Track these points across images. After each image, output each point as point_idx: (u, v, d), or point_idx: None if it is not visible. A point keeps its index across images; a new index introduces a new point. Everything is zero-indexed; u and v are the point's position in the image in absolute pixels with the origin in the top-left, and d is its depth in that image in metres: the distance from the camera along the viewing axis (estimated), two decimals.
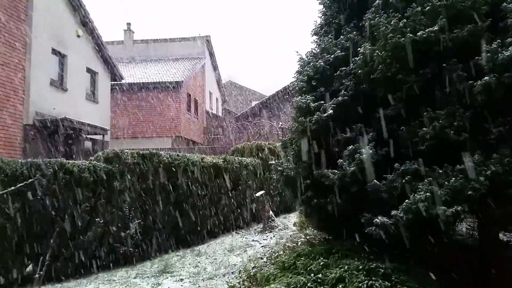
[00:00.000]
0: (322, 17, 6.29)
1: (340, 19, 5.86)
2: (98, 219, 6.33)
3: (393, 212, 3.90)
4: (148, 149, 8.00)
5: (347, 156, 4.48)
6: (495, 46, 3.83)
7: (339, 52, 5.12)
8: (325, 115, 4.78)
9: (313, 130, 4.94)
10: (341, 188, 4.61)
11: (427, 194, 3.72)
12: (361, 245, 4.68)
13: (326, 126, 4.85)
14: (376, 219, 4.00)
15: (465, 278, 4.46)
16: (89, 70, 16.18)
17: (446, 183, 3.78)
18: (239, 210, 9.78)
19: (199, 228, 8.31)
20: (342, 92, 4.84)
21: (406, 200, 3.81)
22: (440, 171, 3.92)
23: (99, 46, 16.65)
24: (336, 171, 4.54)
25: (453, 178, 3.75)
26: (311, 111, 5.01)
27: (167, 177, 7.61)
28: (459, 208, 3.63)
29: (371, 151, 4.25)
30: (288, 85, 21.90)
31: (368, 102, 4.76)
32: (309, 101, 5.06)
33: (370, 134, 4.52)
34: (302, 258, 4.69)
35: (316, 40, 6.12)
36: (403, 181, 3.98)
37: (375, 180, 4.16)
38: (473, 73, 4.00)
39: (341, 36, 5.37)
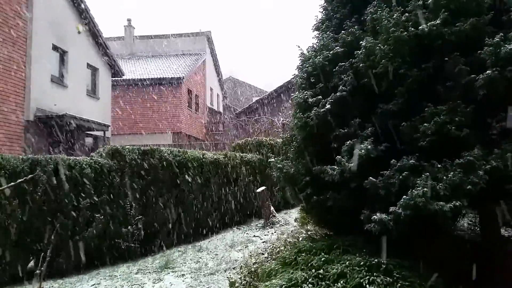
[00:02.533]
0: (323, 11, 6.24)
1: (341, 14, 5.82)
2: (99, 215, 6.33)
3: (392, 209, 3.88)
4: (149, 145, 8.00)
5: (346, 152, 4.44)
6: (497, 39, 3.79)
7: (338, 48, 5.08)
8: (322, 110, 4.74)
9: (312, 125, 4.91)
10: (340, 184, 4.58)
11: (425, 189, 3.69)
12: (362, 240, 4.67)
13: (324, 122, 4.82)
14: (374, 216, 3.97)
15: (467, 273, 4.45)
16: (89, 66, 16.16)
17: (444, 177, 3.75)
18: (240, 206, 9.79)
19: (200, 224, 8.32)
20: (341, 88, 4.81)
21: (404, 196, 3.78)
22: (439, 166, 3.89)
23: (99, 42, 16.63)
24: (335, 167, 4.51)
25: (452, 173, 3.72)
26: (310, 107, 4.98)
27: (168, 173, 7.61)
28: (458, 203, 3.60)
29: (369, 146, 4.21)
30: (289, 81, 21.85)
31: (369, 97, 4.73)
32: (307, 96, 5.03)
33: (370, 129, 4.48)
34: (303, 254, 4.69)
35: (317, 35, 6.07)
36: (400, 177, 3.96)
37: (370, 177, 4.13)
38: (476, 67, 3.96)
39: (342, 31, 5.33)
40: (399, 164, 4.06)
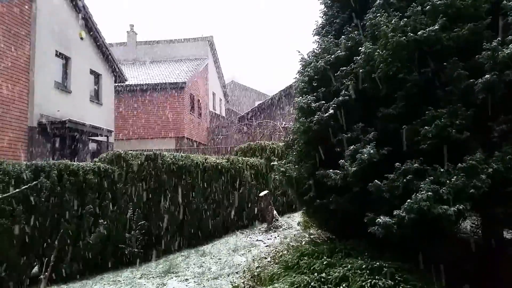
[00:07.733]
0: (324, 17, 6.30)
1: (341, 19, 5.87)
2: (102, 220, 6.37)
3: (396, 212, 3.90)
4: (152, 150, 8.04)
5: (349, 156, 4.48)
6: (495, 44, 3.82)
7: (339, 52, 5.13)
8: (326, 115, 4.79)
9: (314, 130, 4.95)
10: (343, 188, 4.62)
11: (429, 193, 3.72)
12: (365, 244, 4.68)
13: (327, 126, 4.86)
14: (379, 219, 4.00)
15: (469, 276, 4.45)
16: (92, 72, 16.29)
17: (448, 181, 3.78)
18: (243, 210, 9.81)
19: (203, 228, 8.34)
20: (343, 92, 4.85)
21: (408, 200, 3.81)
22: (442, 170, 3.92)
23: (102, 48, 16.76)
24: (338, 171, 4.55)
25: (455, 177, 3.74)
26: (313, 111, 5.02)
27: (171, 178, 7.64)
28: (461, 207, 3.63)
29: (372, 150, 4.25)
30: (290, 85, 21.90)
31: (370, 102, 4.77)
32: (310, 101, 5.07)
33: (372, 133, 4.52)
34: (305, 258, 4.71)
35: (318, 40, 6.13)
36: (405, 180, 3.99)
37: (376, 180, 4.16)
38: (474, 72, 3.99)
39: (343, 36, 5.38)
40: (403, 167, 4.09)
